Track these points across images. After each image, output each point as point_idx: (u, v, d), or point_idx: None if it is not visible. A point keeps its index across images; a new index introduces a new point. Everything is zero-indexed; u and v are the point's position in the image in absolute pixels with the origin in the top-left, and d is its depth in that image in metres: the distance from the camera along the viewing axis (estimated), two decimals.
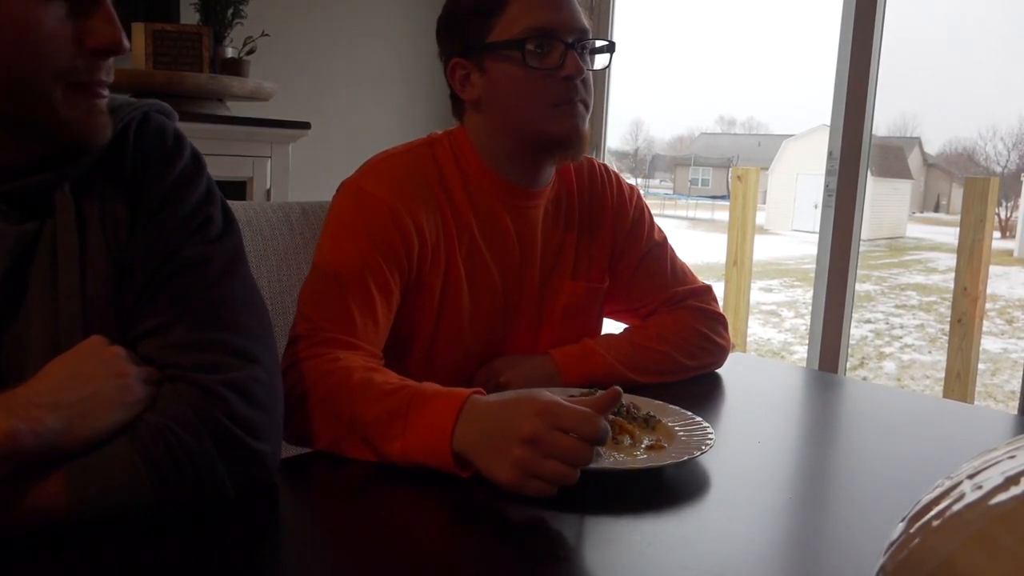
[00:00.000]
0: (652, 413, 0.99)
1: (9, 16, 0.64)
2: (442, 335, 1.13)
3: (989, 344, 6.80)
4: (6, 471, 0.63)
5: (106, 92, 0.73)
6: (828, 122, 2.33)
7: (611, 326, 1.31)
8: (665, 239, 1.31)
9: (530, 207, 1.17)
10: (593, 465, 0.78)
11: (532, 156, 1.14)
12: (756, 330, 7.45)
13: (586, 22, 1.10)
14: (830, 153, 2.32)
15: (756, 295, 8.30)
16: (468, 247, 1.13)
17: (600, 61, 1.17)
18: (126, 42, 0.71)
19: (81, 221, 0.75)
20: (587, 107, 1.12)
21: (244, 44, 2.28)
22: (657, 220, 1.33)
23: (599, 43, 1.14)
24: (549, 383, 1.12)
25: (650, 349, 1.21)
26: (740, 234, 3.79)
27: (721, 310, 1.30)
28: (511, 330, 1.19)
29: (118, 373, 0.69)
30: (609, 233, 1.26)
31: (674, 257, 1.31)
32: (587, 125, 1.13)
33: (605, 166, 1.29)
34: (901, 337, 7.61)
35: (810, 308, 2.43)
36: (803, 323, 7.72)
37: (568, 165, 1.23)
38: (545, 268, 1.20)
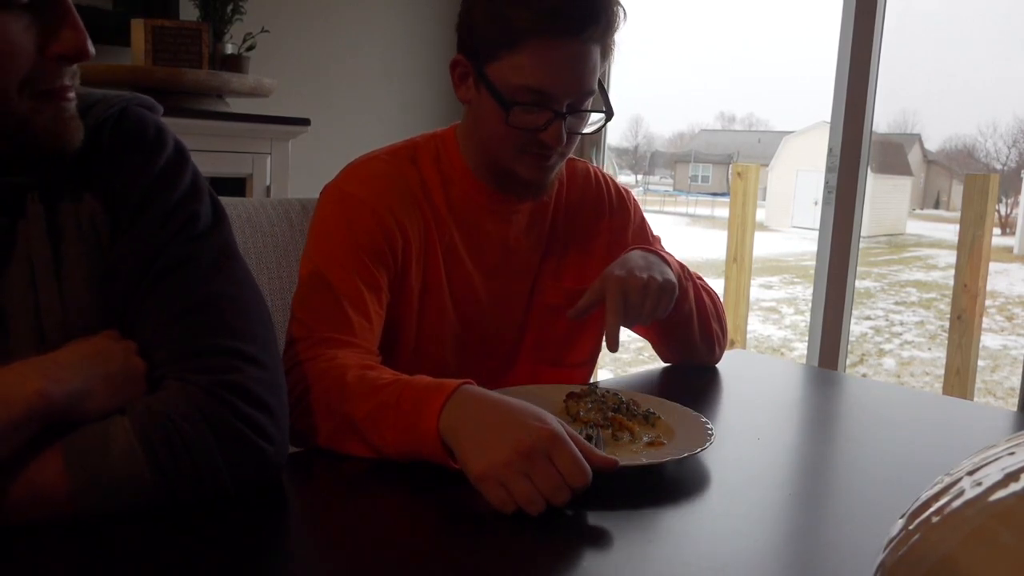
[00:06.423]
0: (652, 410, 0.99)
1: None
2: (423, 337, 1.12)
3: (989, 341, 6.80)
4: (34, 431, 0.65)
5: (72, 96, 0.71)
6: (828, 119, 2.33)
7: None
8: (658, 240, 1.31)
9: (514, 211, 1.17)
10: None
11: (498, 181, 1.14)
12: (756, 327, 7.44)
13: (591, 83, 1.05)
14: (830, 150, 2.31)
15: (756, 292, 8.29)
16: (448, 251, 1.12)
17: (597, 120, 1.12)
18: (91, 48, 0.69)
19: (55, 230, 0.73)
20: (564, 157, 1.12)
21: (244, 40, 2.27)
22: (657, 217, 1.34)
23: (595, 115, 1.10)
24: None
25: (705, 301, 1.23)
26: (740, 231, 3.78)
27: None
28: (494, 332, 1.19)
29: (133, 364, 0.72)
30: (605, 239, 1.25)
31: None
32: (560, 169, 1.14)
33: (600, 170, 1.29)
34: (901, 334, 7.61)
35: (810, 305, 2.43)
36: (803, 320, 7.71)
37: (559, 170, 1.23)
38: (530, 272, 1.20)
